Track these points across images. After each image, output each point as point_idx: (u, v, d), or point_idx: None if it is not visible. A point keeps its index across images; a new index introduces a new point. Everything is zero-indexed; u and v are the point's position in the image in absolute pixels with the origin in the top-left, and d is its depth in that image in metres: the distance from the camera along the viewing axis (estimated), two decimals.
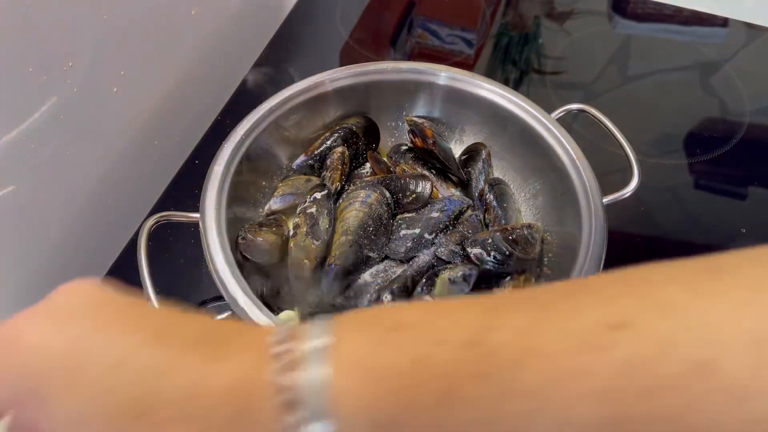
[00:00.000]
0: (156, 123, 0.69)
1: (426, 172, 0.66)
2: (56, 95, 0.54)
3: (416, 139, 0.67)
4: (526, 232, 0.60)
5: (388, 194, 0.62)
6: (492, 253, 0.58)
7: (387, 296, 0.56)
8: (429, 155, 0.66)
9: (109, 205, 0.65)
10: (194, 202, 0.71)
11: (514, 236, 0.59)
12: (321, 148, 0.66)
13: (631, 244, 0.71)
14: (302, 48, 0.89)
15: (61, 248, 0.60)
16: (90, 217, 0.63)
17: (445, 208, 0.62)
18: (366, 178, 0.65)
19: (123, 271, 0.66)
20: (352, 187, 0.63)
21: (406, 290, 0.56)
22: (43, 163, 0.55)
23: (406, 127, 0.70)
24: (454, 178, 0.67)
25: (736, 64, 0.89)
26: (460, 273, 0.57)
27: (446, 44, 0.92)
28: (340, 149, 0.66)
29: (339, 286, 0.59)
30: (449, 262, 0.59)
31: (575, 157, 0.61)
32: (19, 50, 0.49)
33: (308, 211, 0.60)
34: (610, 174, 0.70)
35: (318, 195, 0.61)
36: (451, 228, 0.62)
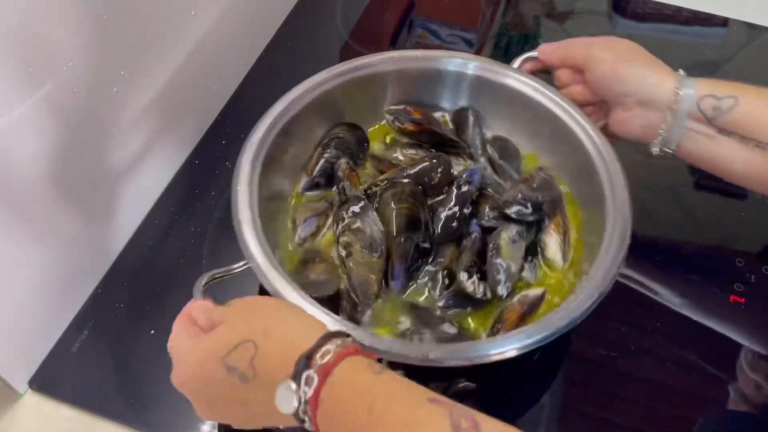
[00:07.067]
0: (155, 123, 0.69)
1: (436, 153, 0.66)
2: (56, 95, 0.54)
3: (405, 125, 0.67)
4: (543, 175, 0.63)
5: (416, 186, 0.62)
6: (528, 206, 0.60)
7: (463, 275, 0.56)
8: (418, 136, 0.67)
9: (108, 204, 0.65)
10: (194, 201, 0.71)
11: (536, 184, 0.61)
12: (320, 164, 0.64)
13: (631, 244, 0.71)
14: (302, 48, 0.89)
15: (62, 247, 0.60)
16: (89, 217, 0.63)
17: (470, 179, 0.62)
18: (384, 177, 0.64)
19: (123, 271, 0.66)
20: (376, 189, 0.62)
21: (476, 264, 0.58)
22: (43, 163, 0.55)
23: (388, 118, 0.69)
24: (453, 150, 0.67)
25: (736, 63, 0.89)
26: (515, 231, 0.60)
27: (446, 44, 0.91)
28: (344, 161, 0.64)
29: (407, 285, 0.58)
30: (494, 228, 0.61)
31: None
32: (19, 50, 0.49)
33: (353, 227, 0.58)
34: None
35: (356, 208, 0.59)
36: (479, 196, 0.63)
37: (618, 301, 0.66)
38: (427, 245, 0.59)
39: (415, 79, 0.69)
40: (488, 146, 0.68)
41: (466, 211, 0.61)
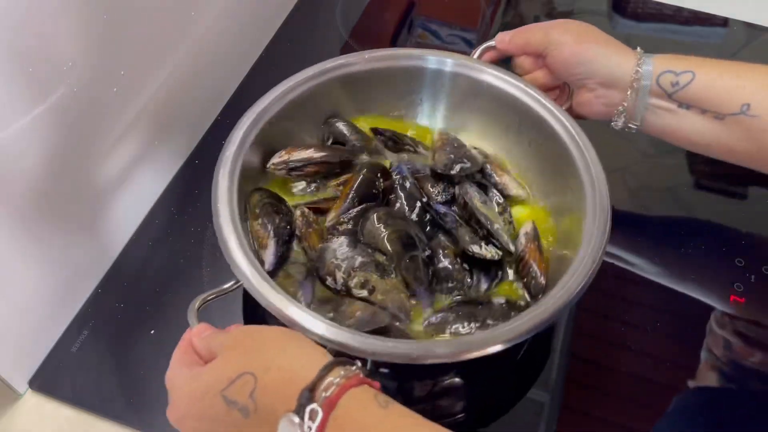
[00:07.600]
0: (156, 123, 0.69)
1: (360, 163, 0.65)
2: (56, 95, 0.54)
3: (306, 170, 0.63)
4: (447, 136, 0.67)
5: (378, 208, 0.60)
6: (465, 160, 0.63)
7: (475, 248, 0.58)
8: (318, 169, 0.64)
9: (108, 204, 0.65)
10: (194, 201, 0.71)
11: (452, 144, 0.65)
12: (271, 243, 0.58)
13: (632, 244, 0.71)
14: (302, 48, 0.89)
15: (62, 247, 0.60)
16: (89, 217, 0.63)
17: (402, 173, 0.64)
18: (337, 212, 0.61)
19: (123, 271, 0.66)
20: (345, 224, 0.60)
21: (475, 233, 0.60)
22: (43, 164, 0.55)
23: (280, 173, 0.64)
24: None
25: None
26: (476, 193, 0.62)
27: (446, 44, 0.92)
28: (298, 212, 0.61)
29: (431, 290, 0.58)
30: (452, 200, 0.63)
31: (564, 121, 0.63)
32: (19, 50, 0.49)
33: (356, 265, 0.56)
34: (613, 172, 0.70)
35: (343, 249, 0.57)
36: (418, 181, 0.64)
37: (618, 300, 0.66)
38: (429, 252, 0.58)
39: (390, 78, 0.69)
40: (379, 140, 0.68)
41: (424, 200, 0.62)
